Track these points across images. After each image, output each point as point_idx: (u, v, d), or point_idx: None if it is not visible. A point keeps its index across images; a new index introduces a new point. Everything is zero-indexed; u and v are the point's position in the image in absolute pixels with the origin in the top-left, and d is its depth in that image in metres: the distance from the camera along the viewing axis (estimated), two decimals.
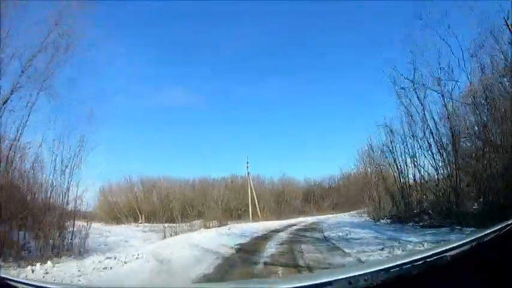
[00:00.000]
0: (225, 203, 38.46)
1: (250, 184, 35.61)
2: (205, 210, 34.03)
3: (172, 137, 67.81)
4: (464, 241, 1.61)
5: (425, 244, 8.14)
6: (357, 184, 48.08)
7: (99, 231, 21.06)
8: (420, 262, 1.47)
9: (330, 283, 1.38)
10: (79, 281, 6.18)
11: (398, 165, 18.64)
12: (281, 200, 42.84)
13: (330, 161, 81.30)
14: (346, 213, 37.82)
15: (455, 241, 1.66)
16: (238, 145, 63.30)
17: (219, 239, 14.23)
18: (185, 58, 61.88)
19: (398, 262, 1.49)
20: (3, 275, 1.66)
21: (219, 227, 21.29)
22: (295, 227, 21.85)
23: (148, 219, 36.87)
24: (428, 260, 1.48)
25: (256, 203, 34.30)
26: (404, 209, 16.94)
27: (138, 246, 12.36)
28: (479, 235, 1.60)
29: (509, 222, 1.49)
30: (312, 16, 57.46)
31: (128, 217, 37.15)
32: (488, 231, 1.59)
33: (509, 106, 10.50)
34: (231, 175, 44.85)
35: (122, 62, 51.17)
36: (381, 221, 19.43)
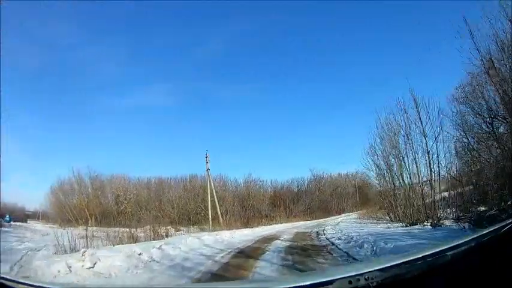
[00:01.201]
0: (181, 206, 34.53)
1: (209, 182, 29.13)
2: (160, 214, 30.68)
3: (131, 134, 66.18)
4: (464, 241, 1.63)
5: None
6: (332, 187, 47.63)
7: (29, 234, 19.17)
8: (420, 262, 1.50)
9: (330, 282, 1.39)
10: (77, 280, 5.80)
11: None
12: (246, 204, 36.49)
13: (298, 163, 77.39)
14: (339, 217, 35.09)
15: (455, 241, 1.68)
16: (200, 143, 61.76)
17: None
18: (156, 58, 62.44)
19: (398, 262, 1.52)
20: (3, 275, 1.65)
21: (153, 239, 12.37)
22: (283, 244, 11.31)
23: (99, 222, 33.56)
24: (428, 260, 1.51)
25: (218, 207, 28.29)
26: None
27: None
28: (479, 235, 1.64)
29: (509, 222, 1.53)
30: (285, 19, 60.76)
31: (78, 219, 33.82)
32: (488, 231, 1.63)
33: None
34: (190, 175, 39.08)
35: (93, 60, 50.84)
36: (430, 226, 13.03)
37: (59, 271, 6.11)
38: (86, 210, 31.48)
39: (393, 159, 16.96)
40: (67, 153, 52.64)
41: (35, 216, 49.76)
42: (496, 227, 1.59)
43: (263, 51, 67.73)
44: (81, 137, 61.79)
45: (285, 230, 21.35)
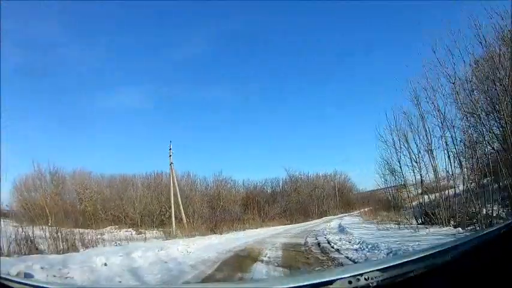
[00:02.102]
0: (144, 206, 31.66)
1: (173, 177, 25.80)
2: (121, 214, 29.12)
3: (96, 130, 64.63)
4: (464, 241, 1.64)
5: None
6: (309, 188, 44.74)
7: None
8: (420, 262, 1.50)
9: (330, 282, 1.39)
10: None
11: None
12: (216, 206, 33.06)
13: (272, 163, 79.02)
14: (330, 220, 30.18)
15: (455, 241, 1.70)
16: (169, 141, 59.42)
17: None
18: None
19: (398, 262, 1.52)
20: (3, 275, 1.64)
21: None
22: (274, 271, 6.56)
23: (59, 222, 30.60)
24: (428, 260, 1.51)
25: (181, 207, 25.22)
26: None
27: None
28: (480, 235, 1.66)
29: (509, 222, 1.56)
30: (258, 22, 62.71)
31: (39, 218, 30.60)
32: (489, 231, 1.65)
33: None
34: (155, 172, 35.61)
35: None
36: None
37: None
38: (46, 208, 28.75)
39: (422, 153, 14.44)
40: (34, 148, 49.66)
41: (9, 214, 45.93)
42: (497, 227, 1.62)
43: (239, 53, 69.50)
44: (47, 132, 58.22)
45: (263, 238, 15.98)
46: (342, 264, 6.92)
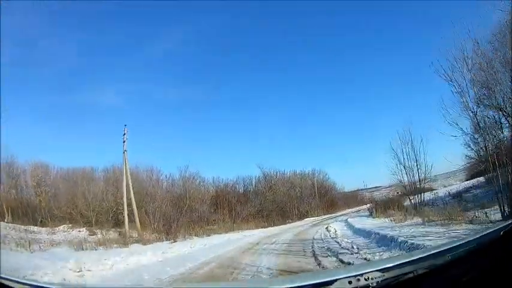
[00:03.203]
0: (99, 203, 27.76)
1: (126, 168, 21.58)
2: (74, 212, 25.90)
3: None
4: (464, 241, 1.64)
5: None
6: (286, 187, 40.64)
7: None
8: (420, 262, 1.50)
9: (330, 283, 1.39)
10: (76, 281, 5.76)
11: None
12: (182, 204, 28.49)
13: (244, 161, 77.55)
14: (320, 223, 24.46)
15: (455, 241, 1.69)
16: (136, 135, 56.69)
17: None
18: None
19: (398, 262, 1.53)
20: (2, 275, 1.63)
21: None
22: None
23: (18, 217, 25.24)
24: (428, 260, 1.51)
25: (134, 205, 21.17)
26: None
27: None
28: (480, 235, 1.65)
29: (509, 222, 1.56)
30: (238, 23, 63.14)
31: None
32: (488, 231, 1.65)
33: None
34: (113, 165, 30.73)
35: None
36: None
37: None
38: (3, 203, 25.84)
39: None
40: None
41: None
42: (496, 228, 1.63)
43: (209, 52, 69.55)
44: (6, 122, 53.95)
45: (242, 254, 10.40)
46: None
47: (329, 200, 48.80)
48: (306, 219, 37.18)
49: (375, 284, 1.37)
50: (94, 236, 18.40)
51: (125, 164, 21.76)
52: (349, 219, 20.18)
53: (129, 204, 21.37)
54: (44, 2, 47.50)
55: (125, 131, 21.79)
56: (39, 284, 1.72)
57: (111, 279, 7.50)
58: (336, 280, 1.40)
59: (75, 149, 56.59)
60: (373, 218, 18.74)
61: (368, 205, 27.61)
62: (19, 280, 1.65)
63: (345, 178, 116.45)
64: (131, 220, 20.85)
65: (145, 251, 11.38)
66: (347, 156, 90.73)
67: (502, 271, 1.42)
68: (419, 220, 12.53)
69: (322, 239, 12.50)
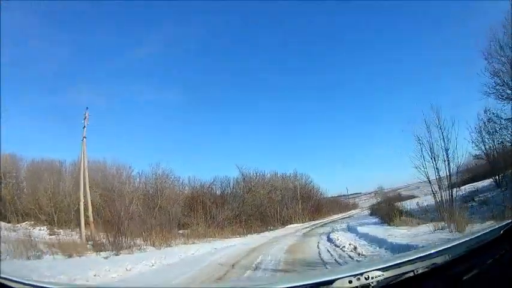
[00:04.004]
0: (61, 198, 24.96)
1: (84, 157, 19.27)
2: (34, 207, 23.58)
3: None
4: (464, 241, 1.64)
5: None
6: (267, 189, 37.24)
7: None
8: (420, 262, 1.50)
9: (330, 282, 1.39)
10: (75, 280, 5.72)
11: None
12: (154, 205, 26.52)
13: (224, 164, 72.65)
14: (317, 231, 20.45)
15: (455, 241, 1.69)
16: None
17: None
18: None
19: (398, 262, 1.53)
20: (3, 275, 1.61)
21: None
22: None
23: None
24: (428, 260, 1.51)
25: (89, 200, 18.82)
26: None
27: None
28: (480, 235, 1.65)
29: (509, 222, 1.56)
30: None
31: None
32: (488, 231, 1.66)
33: None
34: (78, 157, 25.25)
35: None
36: None
37: None
38: None
39: None
40: None
41: None
42: (496, 227, 1.63)
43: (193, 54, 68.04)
44: None
45: None
46: None
47: (314, 205, 45.82)
48: (289, 225, 34.60)
49: (375, 283, 1.37)
50: (54, 236, 16.60)
51: (83, 153, 18.99)
52: (359, 228, 14.17)
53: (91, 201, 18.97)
54: (25, 2, 45.18)
55: (86, 115, 18.83)
56: (39, 284, 1.71)
57: None
58: (336, 279, 1.41)
59: (49, 142, 53.31)
60: (390, 226, 14.08)
61: (366, 210, 26.42)
62: (19, 280, 1.62)
63: (326, 184, 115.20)
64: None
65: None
66: (328, 161, 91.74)
67: (502, 270, 1.43)
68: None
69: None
